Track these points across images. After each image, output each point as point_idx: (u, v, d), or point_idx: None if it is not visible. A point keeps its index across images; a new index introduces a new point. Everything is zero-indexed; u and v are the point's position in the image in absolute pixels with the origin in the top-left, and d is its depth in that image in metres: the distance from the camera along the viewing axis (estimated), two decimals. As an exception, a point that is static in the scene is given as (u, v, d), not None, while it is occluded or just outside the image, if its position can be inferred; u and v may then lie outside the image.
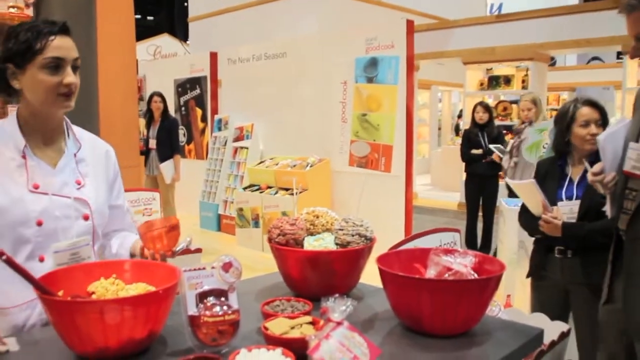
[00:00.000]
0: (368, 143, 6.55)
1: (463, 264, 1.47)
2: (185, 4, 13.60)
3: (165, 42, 13.73)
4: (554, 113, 3.97)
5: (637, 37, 1.84)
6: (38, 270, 1.38)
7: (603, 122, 2.55)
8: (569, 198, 2.54)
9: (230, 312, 1.26)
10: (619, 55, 9.33)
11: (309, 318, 1.32)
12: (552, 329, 1.95)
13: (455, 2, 11.51)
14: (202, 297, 1.27)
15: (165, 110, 6.72)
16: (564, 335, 1.94)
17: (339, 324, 1.11)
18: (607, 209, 2.08)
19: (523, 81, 8.70)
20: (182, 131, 8.76)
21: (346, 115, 6.78)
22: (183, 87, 9.14)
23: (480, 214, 6.24)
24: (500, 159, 5.58)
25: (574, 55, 14.89)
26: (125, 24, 4.65)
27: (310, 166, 6.68)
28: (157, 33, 14.50)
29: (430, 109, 13.49)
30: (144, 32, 13.87)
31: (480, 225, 6.25)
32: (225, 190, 7.96)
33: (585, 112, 2.54)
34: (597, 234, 2.37)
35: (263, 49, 7.89)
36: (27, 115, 1.55)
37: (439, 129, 14.66)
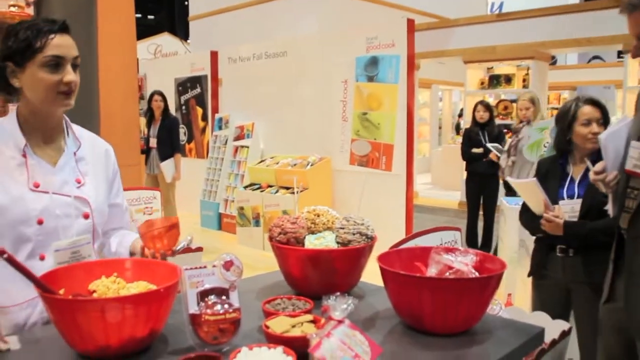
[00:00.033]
0: (369, 142, 6.55)
1: (464, 262, 1.47)
2: (186, 2, 13.62)
3: (165, 41, 13.73)
4: (555, 112, 3.97)
5: (639, 36, 1.84)
6: (39, 268, 1.38)
7: (604, 121, 2.55)
8: (570, 197, 2.54)
9: (231, 310, 1.26)
10: (620, 54, 9.33)
11: (310, 316, 1.32)
12: (553, 327, 1.95)
13: (456, 1, 11.51)
14: (203, 295, 1.27)
15: (165, 109, 6.73)
16: (565, 334, 1.94)
17: (340, 322, 1.11)
18: (609, 207, 2.08)
19: (524, 80, 8.69)
20: (182, 130, 8.77)
21: (347, 114, 6.78)
22: (184, 86, 9.14)
23: (480, 212, 6.24)
24: (498, 157, 5.59)
25: (575, 54, 14.90)
26: (126, 22, 4.65)
27: (311, 165, 6.68)
28: (158, 32, 14.49)
29: (431, 108, 13.48)
30: (144, 31, 13.87)
31: (480, 224, 6.25)
32: (225, 189, 7.96)
33: (586, 110, 2.54)
34: (598, 232, 2.37)
35: (264, 47, 7.89)
36: (26, 114, 1.55)
37: (440, 128, 14.65)
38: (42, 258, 1.51)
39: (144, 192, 4.21)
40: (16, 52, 1.48)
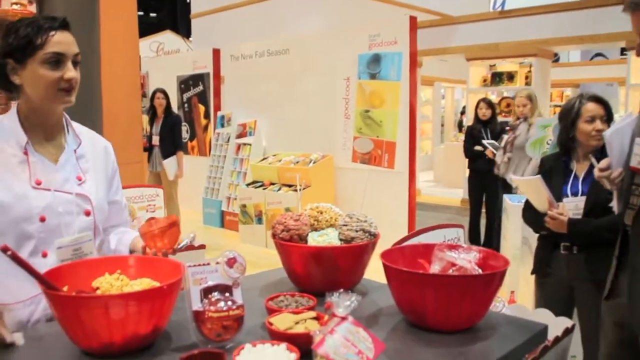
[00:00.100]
0: (371, 139, 6.54)
1: (467, 259, 1.47)
2: (188, 0, 13.60)
3: (168, 38, 13.72)
4: (558, 109, 3.96)
5: (642, 35, 1.83)
6: (41, 266, 1.38)
7: (608, 118, 2.54)
8: (574, 194, 2.53)
9: (234, 307, 1.26)
10: (623, 51, 9.29)
11: (313, 313, 1.32)
12: (556, 324, 1.94)
13: (458, -2, 11.47)
14: (206, 292, 1.27)
15: (168, 106, 6.73)
16: (568, 331, 1.94)
17: (343, 319, 1.11)
18: (614, 204, 2.08)
19: (526, 77, 8.67)
20: (185, 128, 8.77)
21: (349, 112, 6.78)
22: (186, 83, 9.14)
23: (483, 210, 6.23)
24: (494, 154, 5.59)
25: (578, 52, 14.86)
26: (128, 20, 4.65)
27: (313, 162, 6.68)
28: (160, 30, 14.48)
29: (433, 106, 13.46)
30: (146, 28, 13.85)
31: (483, 222, 6.24)
32: (228, 187, 7.97)
33: (590, 107, 2.53)
34: (603, 230, 2.37)
35: (266, 45, 7.89)
36: (27, 111, 1.55)
37: (442, 125, 14.63)
38: (44, 255, 1.51)
39: (147, 190, 4.21)
40: (17, 49, 1.48)
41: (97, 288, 1.36)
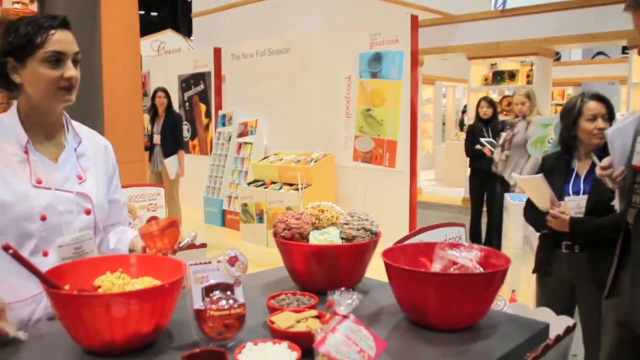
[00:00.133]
0: (372, 138, 6.54)
1: (469, 258, 1.47)
2: (189, -1, 13.59)
3: (169, 37, 13.73)
4: (559, 108, 3.95)
5: (644, 34, 1.83)
6: (42, 264, 1.38)
7: (610, 116, 2.54)
8: (576, 193, 2.53)
9: (236, 305, 1.26)
10: (625, 50, 9.29)
11: (314, 312, 1.32)
12: (558, 323, 1.94)
13: (460, -4, 11.46)
14: (208, 291, 1.27)
15: (169, 105, 6.73)
16: (569, 330, 1.94)
17: (344, 317, 1.11)
18: (616, 203, 2.08)
19: (528, 76, 8.66)
20: (186, 127, 8.77)
21: (350, 111, 6.77)
22: (187, 82, 9.14)
23: (484, 209, 6.23)
24: (492, 152, 5.59)
25: (579, 50, 14.84)
26: (129, 19, 4.65)
27: (315, 161, 6.68)
28: (161, 29, 14.49)
29: (435, 104, 13.45)
30: (147, 27, 13.84)
31: (484, 221, 6.24)
32: (229, 186, 7.97)
33: (592, 106, 2.53)
34: (605, 228, 2.36)
35: (267, 44, 7.88)
36: (27, 110, 1.55)
37: (443, 124, 14.63)
38: (45, 254, 1.52)
39: (148, 189, 4.21)
40: (17, 47, 1.48)
41: (99, 287, 1.36)
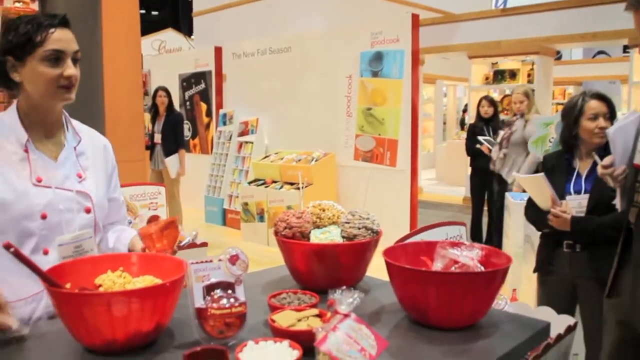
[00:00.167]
0: (373, 137, 6.54)
1: (470, 256, 1.46)
2: (190, -2, 13.59)
3: (169, 37, 13.74)
4: (560, 107, 3.95)
5: (645, 33, 1.83)
6: (42, 263, 1.38)
7: (611, 115, 2.54)
8: (577, 192, 2.53)
9: (237, 304, 1.26)
10: (625, 49, 9.28)
11: (315, 310, 1.31)
12: (559, 322, 1.94)
13: (461, -5, 11.46)
14: (209, 289, 1.27)
15: (170, 105, 6.73)
16: (570, 329, 1.93)
17: (346, 316, 1.11)
18: (617, 202, 2.08)
19: (529, 75, 8.66)
20: (187, 126, 8.77)
21: (351, 110, 6.77)
22: (188, 81, 9.14)
23: (485, 208, 6.23)
24: (490, 150, 5.59)
25: (580, 49, 14.82)
26: (130, 19, 4.65)
27: (315, 160, 6.68)
28: (162, 28, 14.50)
29: (435, 104, 13.46)
30: (148, 27, 13.85)
31: (485, 220, 6.24)
32: (230, 185, 7.97)
33: (593, 105, 2.53)
34: (606, 227, 2.36)
35: (268, 43, 7.88)
36: (27, 108, 1.55)
37: (444, 123, 14.63)
38: (45, 253, 1.52)
39: (149, 188, 4.21)
40: (16, 46, 1.48)
41: (100, 285, 1.36)
